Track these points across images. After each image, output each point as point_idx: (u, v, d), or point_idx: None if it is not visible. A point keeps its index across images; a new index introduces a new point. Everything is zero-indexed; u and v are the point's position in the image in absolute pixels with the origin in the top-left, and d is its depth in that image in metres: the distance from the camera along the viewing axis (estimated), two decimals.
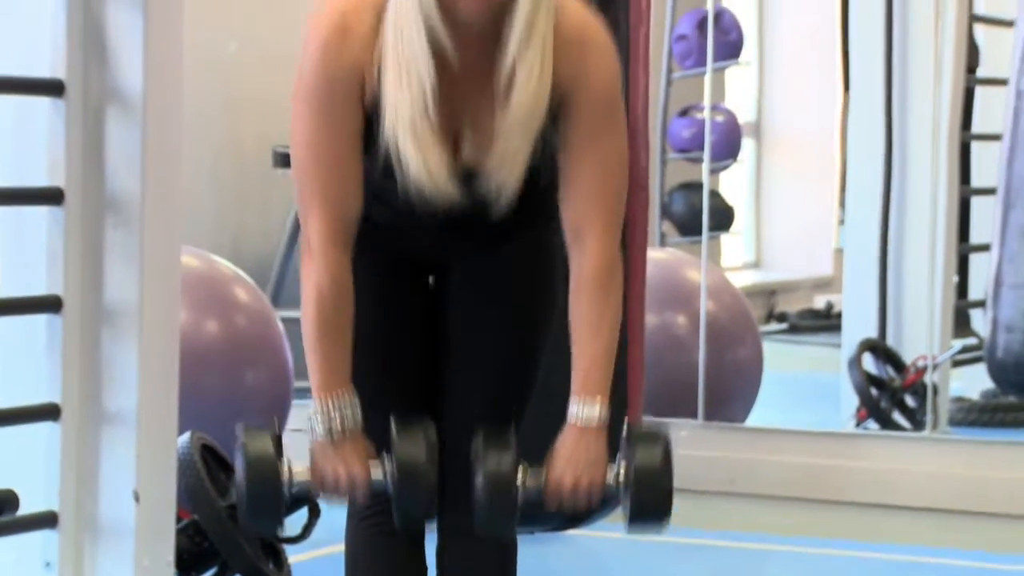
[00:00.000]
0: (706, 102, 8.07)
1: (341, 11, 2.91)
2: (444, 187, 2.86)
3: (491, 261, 3.03)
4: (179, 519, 4.32)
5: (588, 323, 2.90)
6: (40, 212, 4.08)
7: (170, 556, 4.21)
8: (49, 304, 4.07)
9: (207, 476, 4.52)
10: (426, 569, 3.10)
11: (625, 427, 2.96)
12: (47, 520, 4.08)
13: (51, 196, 4.06)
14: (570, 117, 2.89)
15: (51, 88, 4.04)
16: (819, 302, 10.22)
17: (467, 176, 2.90)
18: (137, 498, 4.09)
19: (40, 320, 4.09)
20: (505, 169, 2.88)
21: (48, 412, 4.09)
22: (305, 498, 4.61)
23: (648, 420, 3.02)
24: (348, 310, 2.92)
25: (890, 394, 6.63)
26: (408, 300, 3.05)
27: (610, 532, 5.27)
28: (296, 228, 7.23)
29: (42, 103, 4.07)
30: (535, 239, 3.03)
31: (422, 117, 2.84)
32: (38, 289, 4.08)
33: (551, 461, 2.91)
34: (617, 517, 5.09)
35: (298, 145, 2.98)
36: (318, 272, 2.90)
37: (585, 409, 2.89)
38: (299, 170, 2.97)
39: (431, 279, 3.09)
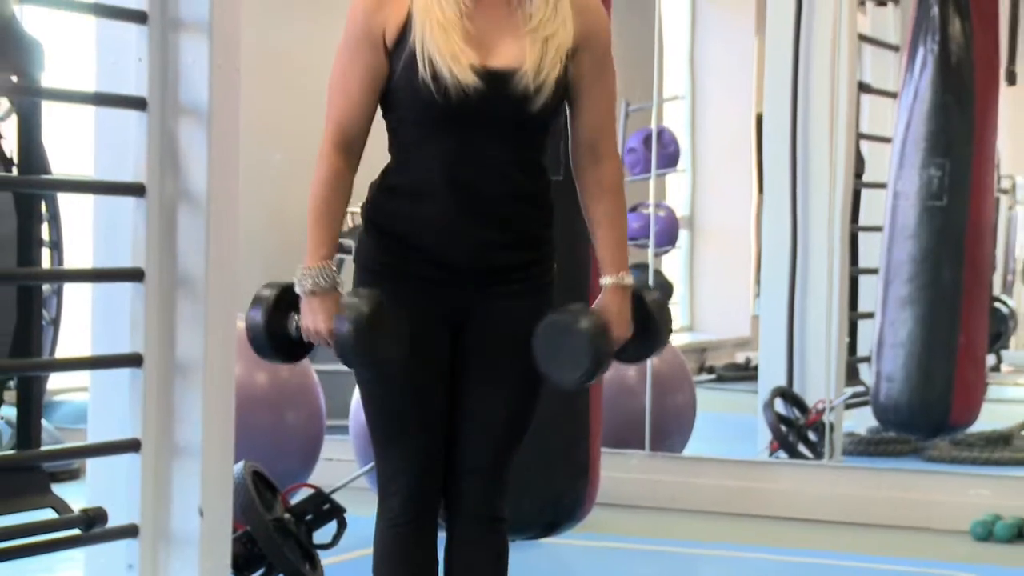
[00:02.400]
0: (651, 200, 8.09)
1: None
2: (465, 75, 2.86)
3: (508, 330, 2.98)
4: (235, 530, 4.28)
5: (611, 219, 2.99)
6: (125, 287, 4.07)
7: (227, 560, 4.18)
8: (132, 360, 4.05)
9: (257, 496, 4.49)
10: (437, 562, 3.08)
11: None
12: (130, 531, 4.06)
13: (134, 275, 4.05)
14: (583, 60, 2.94)
15: (134, 190, 4.04)
16: (740, 357, 10.22)
17: (500, 79, 2.88)
18: (201, 513, 4.06)
19: (125, 373, 4.07)
20: (542, 67, 2.89)
21: (131, 445, 4.07)
22: (334, 513, 4.60)
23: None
24: (340, 202, 2.98)
25: (796, 430, 6.62)
26: (440, 349, 2.99)
27: (574, 540, 5.25)
28: None
29: (127, 201, 4.06)
30: (538, 305, 2.99)
31: (451, 15, 2.87)
32: (123, 348, 4.06)
33: (604, 311, 2.95)
34: (582, 527, 5.08)
35: (332, 76, 2.99)
36: (322, 168, 2.96)
37: (620, 278, 2.96)
38: (328, 95, 2.99)
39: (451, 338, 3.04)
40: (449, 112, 2.89)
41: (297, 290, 2.96)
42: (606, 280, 2.98)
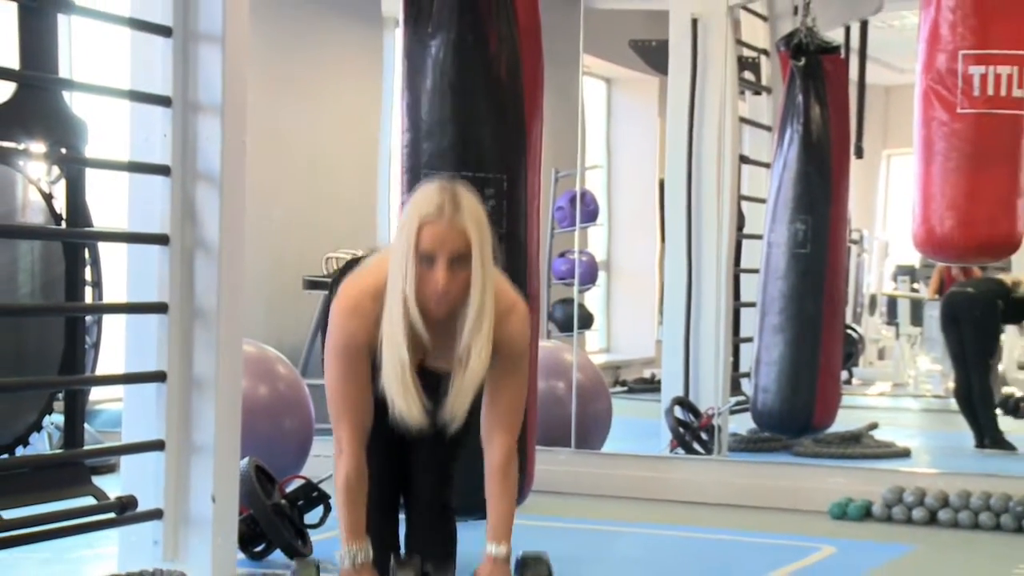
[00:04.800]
0: (576, 248, 8.12)
1: (352, 302, 2.83)
2: (417, 420, 2.77)
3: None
4: (241, 513, 4.25)
5: (497, 495, 2.87)
6: (152, 318, 4.05)
7: (235, 537, 4.15)
8: (158, 376, 4.03)
9: (259, 485, 4.46)
10: (399, 538, 3.06)
11: (519, 555, 2.92)
12: (155, 514, 4.02)
13: (159, 308, 4.03)
14: (495, 364, 2.80)
15: (160, 239, 4.02)
16: (647, 373, 10.22)
17: (432, 411, 2.81)
18: (214, 500, 4.03)
19: (152, 387, 4.05)
20: (458, 409, 2.80)
21: (156, 445, 4.04)
22: (321, 499, 4.57)
23: (532, 552, 3.02)
24: (364, 487, 2.85)
25: (691, 431, 6.64)
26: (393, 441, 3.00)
27: (515, 520, 5.23)
28: (316, 330, 7.19)
29: (154, 249, 4.04)
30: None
31: (403, 380, 2.74)
32: (151, 366, 4.04)
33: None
34: (521, 510, 5.04)
35: (330, 384, 2.86)
36: (346, 464, 2.83)
37: (497, 549, 2.87)
38: (332, 399, 2.86)
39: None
40: (399, 431, 2.86)
41: (345, 564, 2.88)
42: (487, 548, 2.90)
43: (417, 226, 2.67)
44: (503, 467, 2.84)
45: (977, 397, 7.27)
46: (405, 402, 2.72)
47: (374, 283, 2.79)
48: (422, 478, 3.01)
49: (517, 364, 2.83)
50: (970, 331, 7.23)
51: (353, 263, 3.15)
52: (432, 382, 2.78)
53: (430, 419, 2.76)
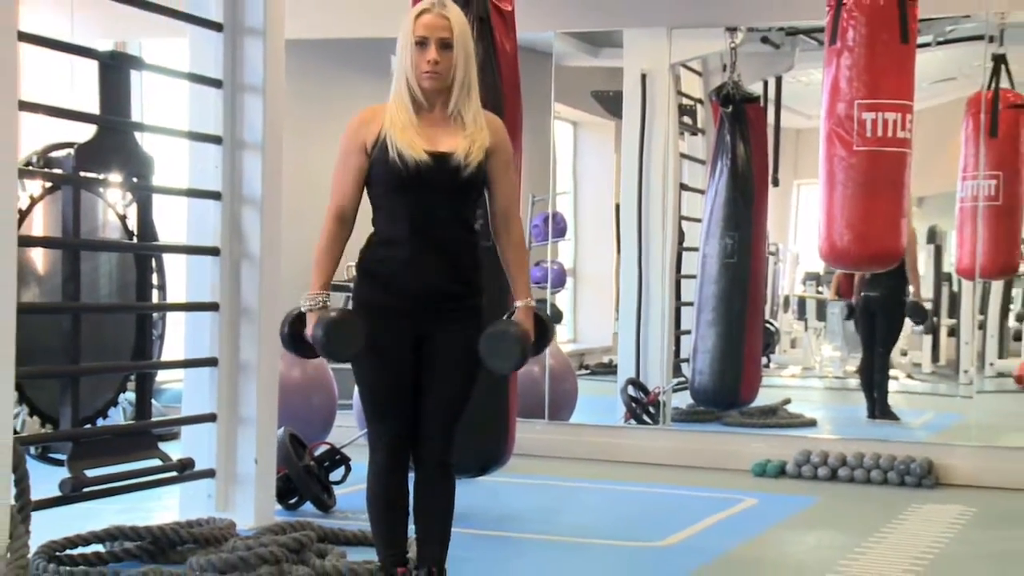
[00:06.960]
0: (549, 258, 8.11)
1: (355, 124, 2.95)
2: (419, 154, 2.84)
3: (452, 342, 2.94)
4: (278, 472, 4.25)
5: (519, 262, 2.96)
6: (206, 315, 4.05)
7: (273, 492, 4.15)
8: (211, 362, 4.03)
9: (292, 450, 4.46)
10: (408, 494, 3.05)
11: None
12: (209, 473, 4.02)
13: (212, 306, 4.02)
14: (495, 159, 2.91)
15: (212, 251, 4.02)
16: (605, 359, 10.21)
17: (442, 158, 2.86)
18: (256, 462, 4.03)
19: (206, 370, 4.04)
20: (474, 153, 2.87)
21: (210, 418, 4.04)
22: (343, 461, 4.56)
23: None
24: (334, 254, 2.97)
25: (641, 406, 6.65)
26: (407, 356, 2.95)
27: (500, 478, 5.24)
28: None
29: (207, 259, 4.04)
30: (471, 327, 2.94)
31: (405, 121, 2.87)
32: (205, 354, 4.04)
33: (520, 323, 2.93)
34: (505, 470, 5.06)
35: (334, 170, 2.97)
36: (325, 231, 2.96)
37: (527, 302, 2.95)
38: (332, 183, 2.97)
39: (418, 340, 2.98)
40: (409, 180, 2.88)
41: (302, 309, 2.98)
42: (518, 303, 2.97)
43: (413, 18, 2.86)
44: (518, 243, 2.96)
45: (877, 375, 7.33)
46: (405, 136, 2.85)
47: (371, 109, 2.94)
48: (427, 443, 2.97)
49: (509, 161, 2.96)
50: (881, 323, 7.35)
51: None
52: (439, 161, 2.86)
53: (433, 159, 2.85)
